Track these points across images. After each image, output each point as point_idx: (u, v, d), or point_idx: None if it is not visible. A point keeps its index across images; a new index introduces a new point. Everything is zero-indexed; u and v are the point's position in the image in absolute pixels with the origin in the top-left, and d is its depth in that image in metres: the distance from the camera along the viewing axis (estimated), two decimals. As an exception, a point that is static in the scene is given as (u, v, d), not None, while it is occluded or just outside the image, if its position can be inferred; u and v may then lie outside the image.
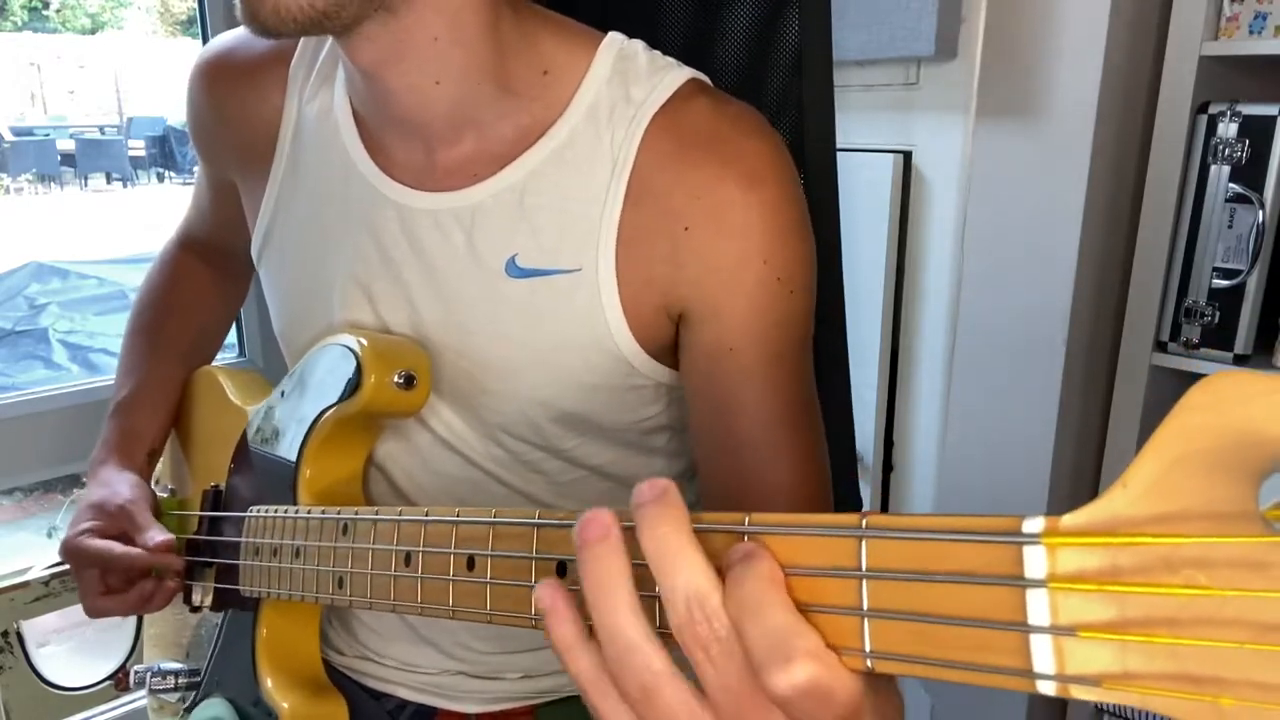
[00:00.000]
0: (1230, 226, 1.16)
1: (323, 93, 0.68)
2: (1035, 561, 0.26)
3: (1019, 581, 0.26)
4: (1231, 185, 1.15)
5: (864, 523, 0.30)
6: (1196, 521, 0.24)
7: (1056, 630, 0.26)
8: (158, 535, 0.71)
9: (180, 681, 0.77)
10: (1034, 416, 1.29)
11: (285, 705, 0.65)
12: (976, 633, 0.27)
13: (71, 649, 1.13)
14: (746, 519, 0.33)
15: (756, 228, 0.58)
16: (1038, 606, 0.26)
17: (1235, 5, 1.14)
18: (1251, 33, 1.13)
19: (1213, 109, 1.16)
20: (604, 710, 0.33)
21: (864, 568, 0.30)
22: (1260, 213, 1.13)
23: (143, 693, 0.82)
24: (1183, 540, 0.24)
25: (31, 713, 1.06)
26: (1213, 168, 1.16)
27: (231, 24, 1.23)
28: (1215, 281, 1.18)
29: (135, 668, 0.79)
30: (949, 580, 0.28)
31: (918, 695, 1.49)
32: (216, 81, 0.73)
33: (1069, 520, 0.26)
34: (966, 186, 1.32)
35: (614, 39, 0.63)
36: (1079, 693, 0.25)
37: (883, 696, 0.32)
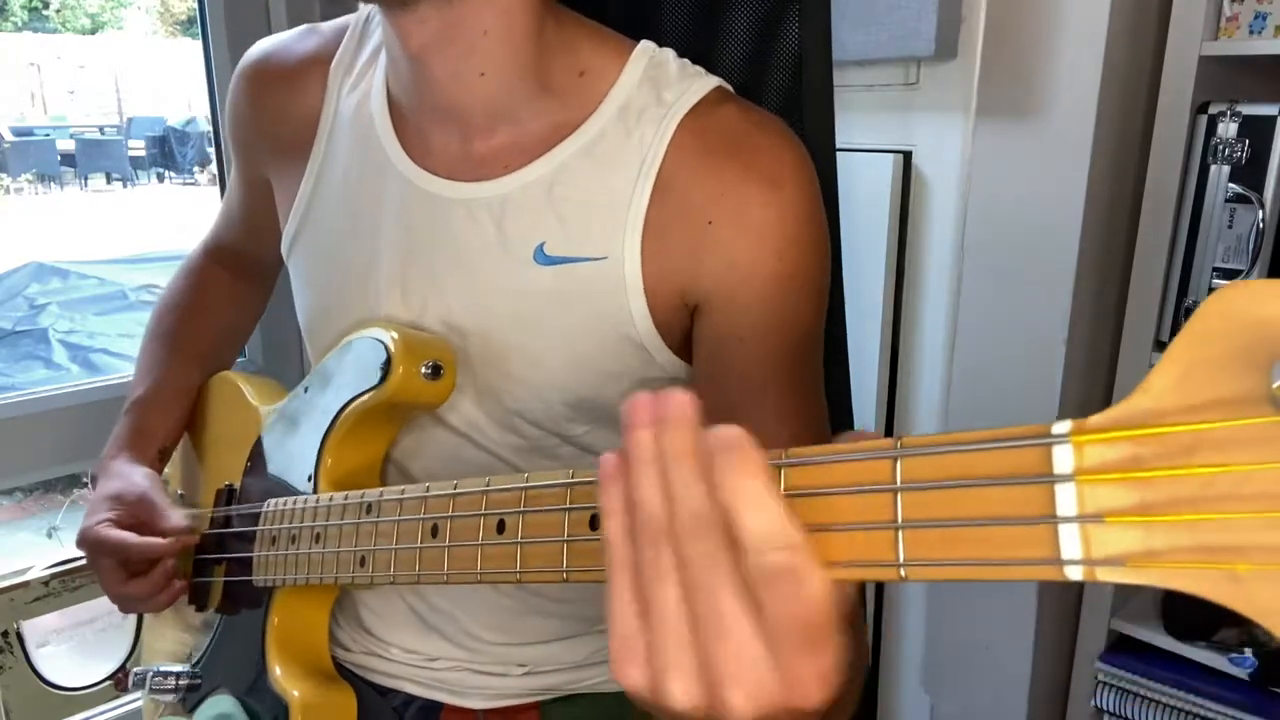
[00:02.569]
0: (1230, 226, 1.16)
1: (360, 89, 0.70)
2: (1063, 458, 0.28)
3: (1048, 479, 0.28)
4: (1231, 185, 1.15)
5: (899, 443, 0.32)
6: (1214, 409, 0.26)
7: (1084, 519, 0.27)
8: (179, 517, 0.73)
9: (180, 683, 0.77)
10: (1034, 416, 1.29)
11: (295, 694, 0.66)
12: (1007, 530, 0.29)
13: (71, 649, 1.13)
14: (784, 454, 0.35)
15: (774, 226, 0.61)
16: (1065, 499, 0.28)
17: (1235, 5, 1.14)
18: (1251, 33, 1.13)
19: (1213, 109, 1.16)
20: (618, 573, 0.36)
21: (899, 482, 0.31)
22: (1260, 213, 1.13)
23: (143, 693, 0.82)
24: (1203, 426, 0.26)
25: (31, 713, 1.06)
26: (1213, 168, 1.16)
27: (231, 24, 1.23)
28: (1215, 281, 1.18)
29: (135, 669, 0.79)
30: (981, 484, 0.29)
31: (918, 695, 1.49)
32: (256, 82, 0.76)
33: (1096, 419, 0.28)
34: (966, 186, 1.32)
35: (646, 46, 0.66)
36: (1104, 574, 0.27)
37: (849, 639, 0.34)
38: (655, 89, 0.64)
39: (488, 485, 0.48)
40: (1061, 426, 0.28)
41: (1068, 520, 0.27)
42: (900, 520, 0.31)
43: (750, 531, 0.33)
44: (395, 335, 0.64)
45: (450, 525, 0.51)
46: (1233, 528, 0.25)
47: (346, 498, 0.60)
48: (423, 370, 0.63)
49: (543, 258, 0.63)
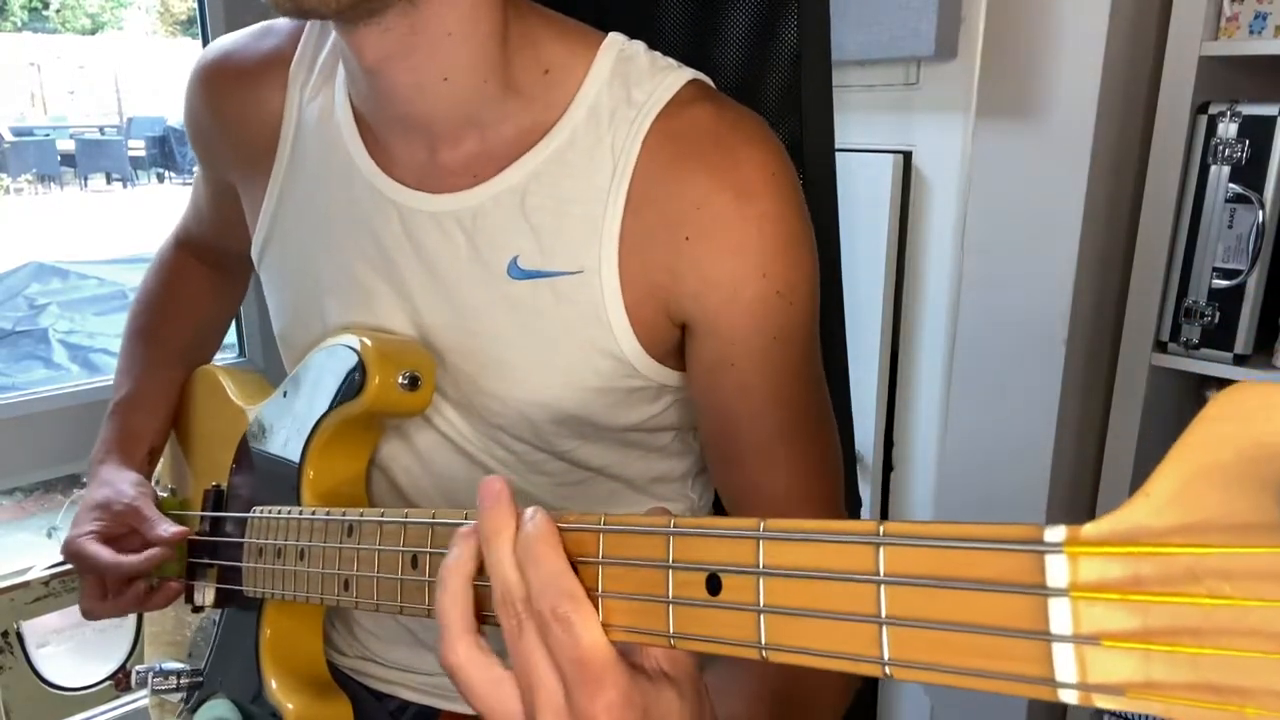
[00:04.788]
0: (1230, 226, 1.16)
1: (324, 93, 0.68)
2: (1057, 570, 0.26)
3: (1041, 590, 0.26)
4: (1231, 185, 1.15)
5: (881, 530, 0.30)
6: (1219, 532, 0.24)
7: (1079, 639, 0.26)
8: (170, 527, 0.72)
9: (182, 681, 0.77)
10: (1034, 416, 1.29)
11: (290, 706, 0.65)
12: (997, 641, 0.27)
13: (71, 649, 1.12)
14: (762, 524, 0.34)
15: (754, 241, 0.58)
16: (1060, 615, 0.26)
17: (1235, 5, 1.14)
18: (1251, 33, 1.13)
19: (1213, 109, 1.16)
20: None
21: (881, 574, 0.30)
22: (1260, 213, 1.13)
23: (143, 693, 0.82)
24: (1206, 550, 0.24)
25: (31, 713, 1.06)
26: (1213, 168, 1.16)
27: (231, 25, 1.23)
28: (1215, 281, 1.18)
29: (137, 667, 0.78)
30: (969, 588, 0.28)
31: (918, 697, 1.49)
32: (215, 85, 0.73)
33: (1091, 529, 0.26)
34: (966, 186, 1.32)
35: (615, 39, 0.63)
36: (1103, 701, 0.25)
37: (661, 688, 0.39)
38: (625, 86, 0.60)
39: (465, 519, 0.47)
40: (1055, 534, 0.26)
41: (1063, 639, 0.26)
42: (884, 615, 0.30)
43: (533, 584, 0.39)
44: (369, 343, 0.62)
45: (429, 558, 0.49)
46: (1239, 666, 0.23)
47: (329, 514, 0.59)
48: (400, 381, 0.61)
49: (517, 271, 0.61)
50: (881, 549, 0.30)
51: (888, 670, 0.30)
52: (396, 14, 0.55)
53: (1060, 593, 0.26)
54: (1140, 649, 0.25)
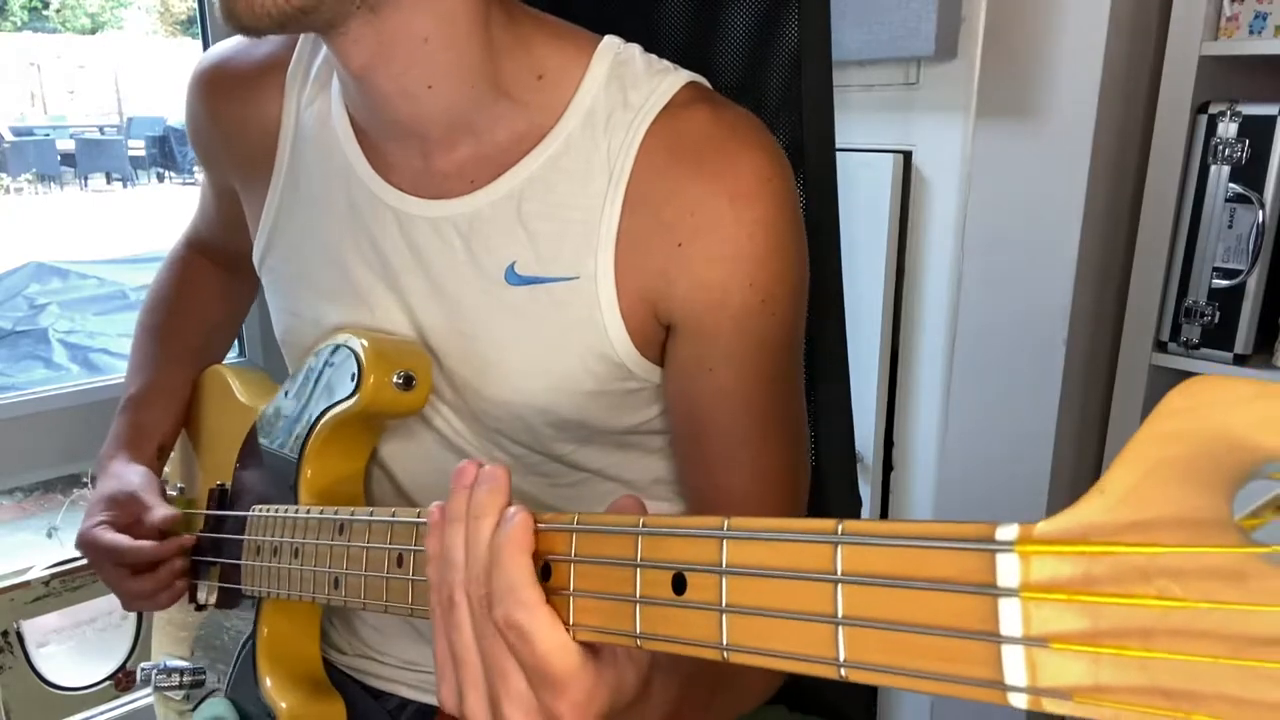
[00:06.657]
0: (1230, 226, 1.16)
1: (320, 98, 0.68)
2: (1008, 570, 0.26)
3: (991, 590, 0.26)
4: (1231, 185, 1.15)
5: (840, 529, 0.30)
6: (1172, 530, 0.23)
7: (1028, 641, 0.25)
8: (164, 511, 0.72)
9: (185, 679, 0.77)
10: (1034, 416, 1.29)
11: (283, 705, 0.66)
12: (949, 642, 0.27)
13: (71, 649, 1.13)
14: (725, 523, 0.34)
15: (746, 249, 0.58)
16: (1010, 616, 0.25)
17: (1235, 5, 1.14)
18: (1251, 33, 1.13)
19: (1213, 109, 1.16)
20: (436, 614, 0.43)
21: (839, 573, 0.30)
22: (1260, 213, 1.13)
23: (144, 692, 0.82)
24: (1158, 550, 0.23)
25: (31, 713, 1.06)
26: (1213, 168, 1.16)
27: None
28: (1215, 281, 1.18)
29: (141, 665, 0.79)
30: (922, 587, 0.27)
31: (918, 695, 1.49)
32: (213, 92, 0.73)
33: (1043, 528, 0.25)
34: (966, 186, 1.32)
35: (610, 42, 0.62)
36: (1051, 706, 0.25)
37: (623, 672, 0.40)
38: (622, 90, 0.60)
39: None
40: (1007, 532, 0.26)
41: (1012, 641, 0.25)
42: (841, 615, 0.30)
43: (494, 589, 0.39)
44: (365, 343, 0.63)
45: (414, 557, 0.49)
46: (1189, 670, 0.23)
47: (322, 513, 0.59)
48: (395, 380, 0.61)
49: (514, 278, 0.61)
50: (840, 548, 0.30)
51: (843, 672, 0.30)
52: (360, 23, 0.55)
53: (1011, 593, 0.25)
54: (1089, 651, 0.24)
